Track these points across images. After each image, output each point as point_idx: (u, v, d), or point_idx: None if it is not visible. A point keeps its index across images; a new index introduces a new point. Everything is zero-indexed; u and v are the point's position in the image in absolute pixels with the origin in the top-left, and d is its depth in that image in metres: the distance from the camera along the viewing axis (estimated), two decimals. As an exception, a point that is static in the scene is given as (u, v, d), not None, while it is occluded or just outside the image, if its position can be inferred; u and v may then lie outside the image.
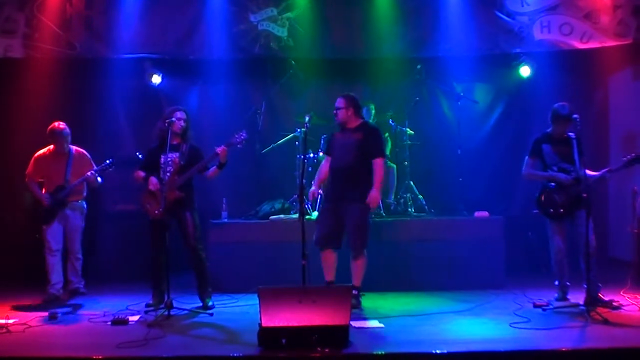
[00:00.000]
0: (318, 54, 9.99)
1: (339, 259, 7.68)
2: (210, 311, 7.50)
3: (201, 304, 7.78)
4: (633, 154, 7.33)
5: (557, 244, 7.66)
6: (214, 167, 7.71)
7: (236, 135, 7.65)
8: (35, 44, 9.54)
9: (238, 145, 7.70)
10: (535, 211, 7.81)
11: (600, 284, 7.42)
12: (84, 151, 8.32)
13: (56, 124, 8.15)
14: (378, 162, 7.57)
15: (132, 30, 9.68)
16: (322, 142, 9.48)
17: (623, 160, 7.36)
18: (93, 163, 8.24)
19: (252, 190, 10.09)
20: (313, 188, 7.89)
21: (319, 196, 8.53)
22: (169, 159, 7.56)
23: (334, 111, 7.73)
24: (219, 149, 7.55)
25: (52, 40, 9.55)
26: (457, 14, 9.80)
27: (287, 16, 9.84)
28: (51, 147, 8.22)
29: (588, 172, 7.29)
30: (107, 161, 8.08)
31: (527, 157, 7.83)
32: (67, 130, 8.16)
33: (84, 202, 8.30)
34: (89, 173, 8.01)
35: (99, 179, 8.13)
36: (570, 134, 7.38)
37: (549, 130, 7.74)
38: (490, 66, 10.46)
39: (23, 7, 9.50)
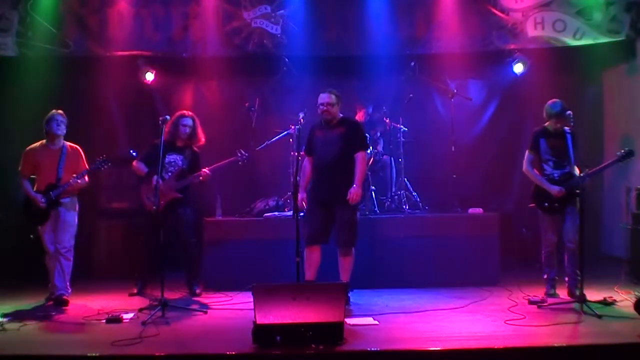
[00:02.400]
0: (312, 51, 9.98)
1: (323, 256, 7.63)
2: (198, 297, 8.15)
3: (188, 292, 8.38)
4: (623, 150, 7.32)
5: (549, 237, 7.75)
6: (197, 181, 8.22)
7: (238, 155, 8.35)
8: (28, 42, 9.56)
9: (239, 163, 8.37)
10: (531, 205, 7.83)
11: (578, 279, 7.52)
12: (78, 148, 8.05)
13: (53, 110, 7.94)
14: (361, 155, 7.54)
15: (126, 27, 9.68)
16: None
17: (617, 155, 7.35)
18: (85, 162, 7.97)
19: (246, 188, 10.09)
20: (301, 195, 7.51)
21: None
22: (172, 160, 8.15)
23: (323, 107, 7.53)
24: (204, 171, 8.12)
25: (45, 39, 9.57)
26: (451, 10, 9.83)
27: (281, 13, 9.85)
28: (43, 141, 7.92)
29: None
30: (100, 158, 7.88)
31: (527, 152, 7.85)
32: (61, 115, 7.90)
33: (76, 199, 8.00)
34: (71, 180, 7.72)
35: (83, 179, 7.89)
36: (566, 128, 7.43)
37: (546, 124, 7.77)
38: (484, 63, 10.48)
39: (16, 6, 9.52)
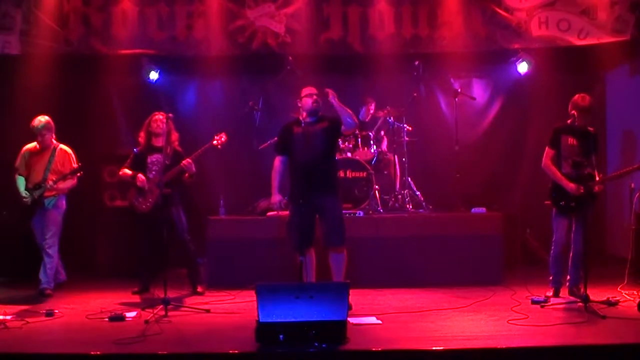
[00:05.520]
0: (315, 50, 9.98)
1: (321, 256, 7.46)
2: (201, 295, 8.13)
3: (191, 290, 8.34)
4: None
5: (560, 237, 7.63)
6: (186, 175, 8.06)
7: (215, 138, 8.08)
8: (32, 40, 9.57)
9: (218, 147, 8.11)
10: (546, 202, 7.75)
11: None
12: (68, 150, 8.36)
13: (35, 118, 8.23)
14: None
15: (130, 26, 9.70)
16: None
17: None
18: (74, 163, 8.30)
19: (250, 187, 10.07)
20: (277, 197, 7.39)
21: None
22: (155, 160, 8.08)
23: (314, 98, 7.19)
24: (183, 162, 7.92)
25: (49, 37, 9.58)
26: (455, 10, 9.82)
27: (285, 12, 9.84)
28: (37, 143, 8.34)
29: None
30: (77, 165, 8.28)
31: (547, 147, 7.65)
32: (44, 124, 8.19)
33: (63, 198, 8.31)
34: (50, 182, 8.11)
35: (71, 180, 8.26)
36: (590, 128, 7.33)
37: (568, 120, 7.54)
38: (488, 62, 10.48)
39: (20, 4, 9.54)
